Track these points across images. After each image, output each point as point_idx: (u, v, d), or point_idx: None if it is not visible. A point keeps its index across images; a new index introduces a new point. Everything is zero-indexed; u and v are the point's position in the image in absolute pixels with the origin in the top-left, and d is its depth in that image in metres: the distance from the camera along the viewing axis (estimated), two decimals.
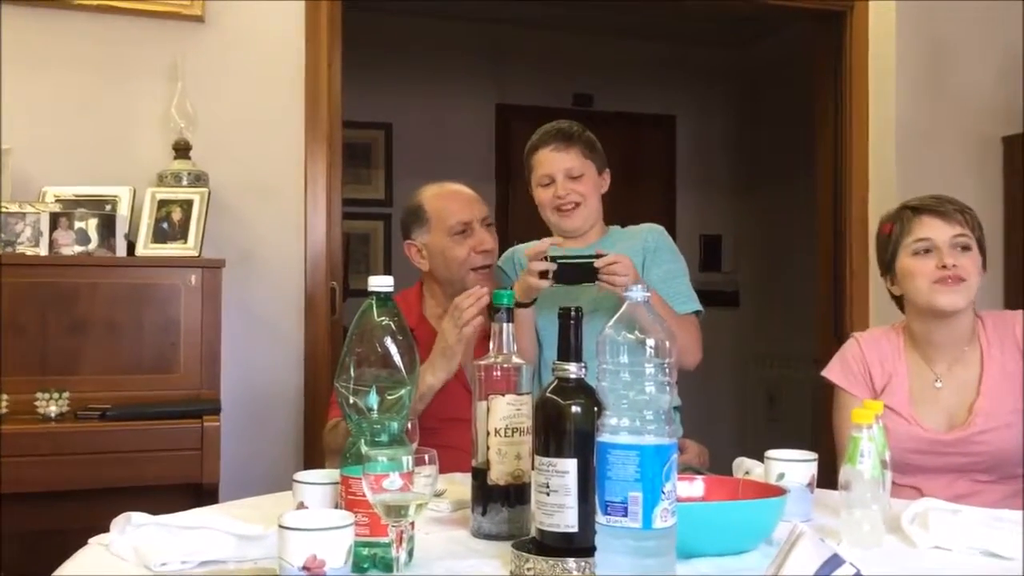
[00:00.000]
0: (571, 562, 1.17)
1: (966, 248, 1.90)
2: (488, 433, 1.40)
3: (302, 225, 3.02)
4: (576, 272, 1.95)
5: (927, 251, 1.90)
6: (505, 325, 1.44)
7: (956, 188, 3.10)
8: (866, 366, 2.00)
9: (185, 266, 2.54)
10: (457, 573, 1.23)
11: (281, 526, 1.05)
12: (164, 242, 2.57)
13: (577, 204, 2.18)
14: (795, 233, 5.09)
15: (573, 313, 1.25)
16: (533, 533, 1.26)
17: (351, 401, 1.25)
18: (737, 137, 5.81)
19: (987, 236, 1.98)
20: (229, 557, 1.23)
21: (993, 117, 3.52)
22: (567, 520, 1.20)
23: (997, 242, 3.38)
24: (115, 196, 2.65)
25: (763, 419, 5.60)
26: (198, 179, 2.73)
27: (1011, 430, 1.85)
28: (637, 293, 1.16)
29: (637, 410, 1.12)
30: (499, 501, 1.39)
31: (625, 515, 1.10)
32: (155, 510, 1.36)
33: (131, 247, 2.60)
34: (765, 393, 5.60)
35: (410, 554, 1.24)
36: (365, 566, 1.21)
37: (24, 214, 2.51)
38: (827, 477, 1.69)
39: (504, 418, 1.39)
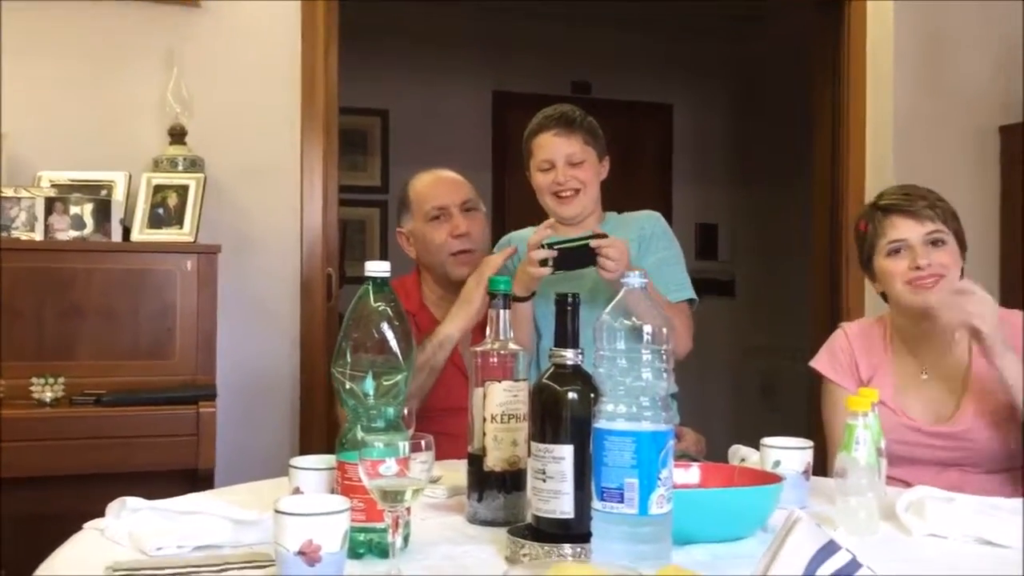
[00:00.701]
0: (567, 548, 1.17)
1: (940, 243, 1.88)
2: (484, 419, 1.40)
3: (298, 211, 3.01)
4: (575, 257, 1.95)
5: (900, 251, 1.89)
6: (502, 311, 1.44)
7: (953, 179, 3.12)
8: (853, 357, 1.99)
9: (181, 252, 2.53)
10: (453, 559, 1.23)
11: (277, 511, 1.05)
12: (160, 227, 2.56)
13: (576, 191, 2.17)
14: (791, 223, 5.09)
15: (570, 299, 1.25)
16: (529, 519, 1.26)
17: (347, 387, 1.25)
18: (734, 127, 5.80)
19: (984, 227, 1.98)
20: (225, 542, 1.23)
21: (991, 108, 3.52)
22: (563, 506, 1.20)
23: (994, 232, 3.38)
24: (111, 181, 2.64)
25: (759, 409, 5.61)
26: (194, 164, 2.72)
27: (998, 429, 1.84)
28: (634, 280, 1.16)
29: (634, 396, 1.12)
30: (495, 487, 1.39)
31: (621, 501, 1.11)
32: (151, 496, 1.36)
33: (127, 232, 2.59)
34: (761, 383, 5.61)
35: (406, 540, 1.24)
36: (361, 551, 1.21)
37: (19, 199, 2.50)
38: (820, 465, 1.70)
39: (500, 404, 1.39)
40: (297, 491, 1.33)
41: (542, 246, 1.96)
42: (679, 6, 5.01)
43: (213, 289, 2.54)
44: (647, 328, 1.13)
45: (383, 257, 4.94)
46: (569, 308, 1.25)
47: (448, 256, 2.22)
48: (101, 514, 1.33)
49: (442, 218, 2.22)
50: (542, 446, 1.22)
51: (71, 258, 2.46)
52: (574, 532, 1.18)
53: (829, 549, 0.80)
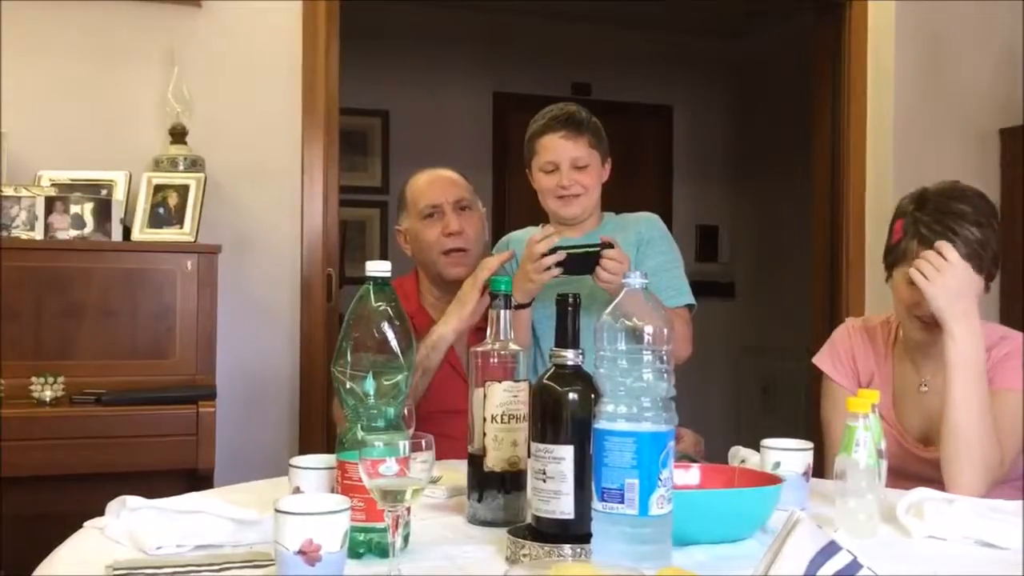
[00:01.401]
0: (567, 548, 1.17)
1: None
2: (484, 420, 1.40)
3: (298, 211, 3.01)
4: (582, 263, 1.95)
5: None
6: (503, 312, 1.44)
7: (953, 179, 3.11)
8: (853, 357, 1.95)
9: (181, 251, 2.53)
10: (453, 559, 1.23)
11: (277, 510, 1.05)
12: (160, 227, 2.56)
13: (578, 195, 2.16)
14: (791, 225, 5.09)
15: (571, 299, 1.25)
16: (529, 520, 1.26)
17: (348, 386, 1.25)
18: (734, 128, 5.80)
19: None
20: (225, 541, 1.23)
21: (991, 110, 3.52)
22: (563, 507, 1.20)
23: None
24: (111, 180, 2.64)
25: (758, 410, 5.61)
26: (194, 164, 2.72)
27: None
28: (635, 280, 1.16)
29: (634, 397, 1.12)
30: (495, 488, 1.39)
31: (622, 502, 1.11)
32: (150, 495, 1.36)
33: (127, 232, 2.60)
34: (760, 384, 5.61)
35: (406, 540, 1.24)
36: (361, 551, 1.21)
37: (19, 198, 2.50)
38: (819, 465, 1.69)
39: (500, 404, 1.39)
40: (297, 490, 1.33)
41: (546, 253, 1.95)
42: (679, 7, 5.02)
43: (213, 289, 2.55)
44: (648, 329, 1.13)
45: (383, 257, 4.93)
46: (570, 308, 1.25)
47: (440, 255, 2.22)
48: (101, 513, 1.33)
49: (435, 216, 2.22)
50: (542, 446, 1.21)
51: (71, 257, 2.46)
52: (574, 533, 1.18)
53: (830, 550, 0.80)
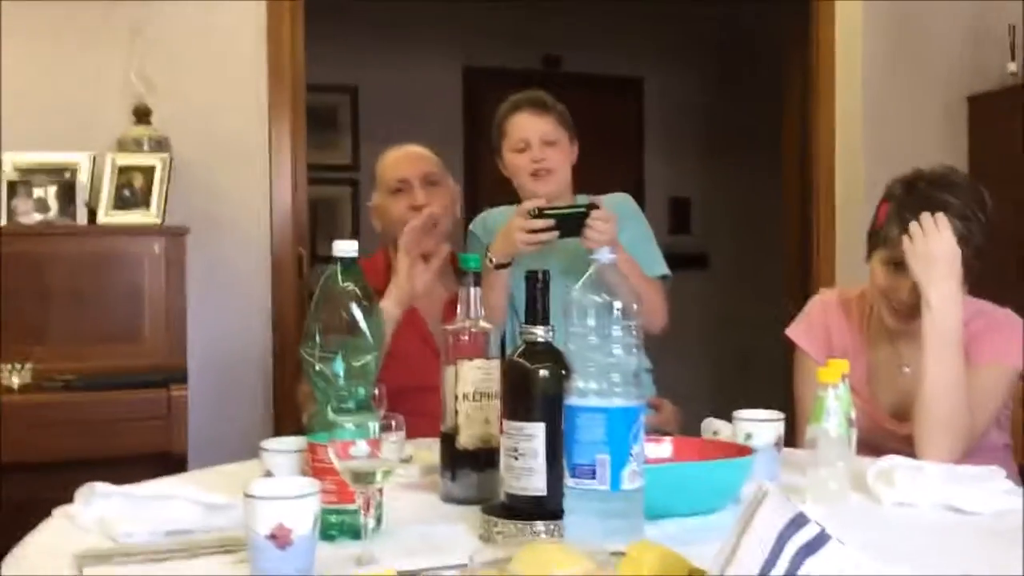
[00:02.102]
0: (540, 525, 1.17)
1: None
2: (457, 398, 1.39)
3: (267, 190, 2.98)
4: (569, 226, 1.96)
5: (898, 266, 1.76)
6: (472, 289, 1.43)
7: (922, 149, 3.13)
8: (828, 331, 1.94)
9: (148, 234, 2.50)
10: (426, 538, 1.23)
11: (247, 495, 1.04)
12: (126, 209, 2.53)
13: (551, 170, 2.17)
14: (765, 196, 5.10)
15: (540, 276, 1.25)
16: (502, 497, 1.26)
17: (317, 368, 1.24)
18: (706, 101, 5.79)
19: None
20: (196, 527, 1.22)
21: (960, 77, 3.53)
22: (535, 483, 1.20)
23: None
24: (75, 163, 2.60)
25: (735, 381, 5.64)
26: (159, 144, 2.68)
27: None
28: (604, 255, 1.16)
29: (604, 373, 1.12)
30: (468, 466, 1.39)
31: (593, 477, 1.11)
32: (123, 480, 1.34)
33: (92, 215, 2.56)
34: (736, 355, 5.64)
35: (378, 520, 1.23)
36: (333, 533, 1.20)
37: None
38: (791, 437, 1.70)
39: (473, 382, 1.39)
40: (268, 474, 1.32)
41: (535, 214, 1.97)
42: None
43: (182, 271, 2.52)
44: (617, 304, 1.13)
45: (355, 236, 4.90)
46: (539, 285, 1.24)
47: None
48: (71, 501, 1.31)
49: (404, 191, 2.21)
50: (514, 424, 1.21)
51: (36, 242, 2.43)
52: (547, 509, 1.18)
53: (798, 522, 0.80)
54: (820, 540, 0.80)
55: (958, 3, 3.52)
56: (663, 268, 2.21)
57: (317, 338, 1.23)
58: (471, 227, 2.33)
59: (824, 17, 3.54)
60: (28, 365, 2.29)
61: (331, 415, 1.19)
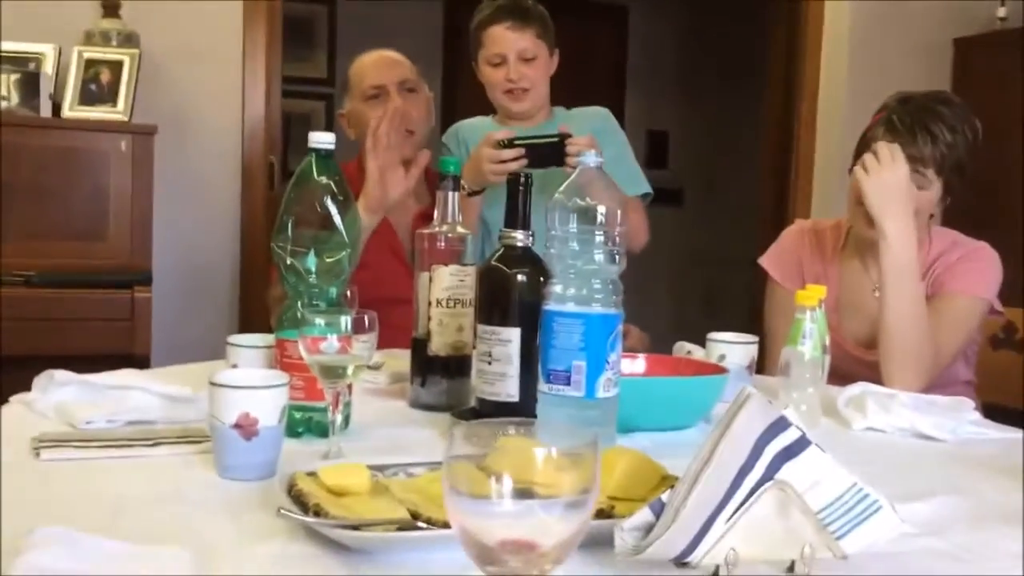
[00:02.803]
0: (511, 427, 1.15)
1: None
2: (430, 304, 1.36)
3: (239, 96, 2.90)
4: (542, 156, 1.89)
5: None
6: (450, 194, 1.39)
7: (904, 88, 3.10)
8: (799, 258, 1.94)
9: (115, 131, 2.42)
10: (393, 440, 1.21)
11: (212, 383, 1.01)
12: (92, 104, 2.44)
13: (527, 89, 2.10)
14: (742, 133, 5.07)
15: (522, 179, 1.21)
16: (473, 403, 1.24)
17: (288, 263, 1.20)
18: (691, 33, 5.71)
19: None
20: (158, 418, 1.19)
21: (945, 20, 3.49)
22: (508, 389, 1.18)
23: None
24: (39, 53, 2.51)
25: (700, 316, 5.67)
26: (129, 40, 2.59)
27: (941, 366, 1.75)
28: (590, 159, 1.12)
29: (584, 279, 1.10)
30: (438, 372, 1.37)
31: (568, 384, 1.09)
32: None
33: (56, 109, 2.47)
34: (704, 292, 5.66)
35: (346, 420, 1.21)
36: (300, 430, 1.18)
37: None
38: (760, 368, 1.69)
39: (447, 288, 1.36)
40: (234, 368, 1.29)
41: (504, 144, 1.90)
42: None
43: (149, 171, 2.45)
44: (601, 210, 1.10)
45: None
46: (521, 188, 1.21)
47: None
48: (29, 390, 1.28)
49: (380, 97, 2.13)
50: (489, 328, 1.19)
51: None
52: (519, 415, 1.16)
53: (780, 425, 0.79)
54: (800, 445, 0.79)
55: None
56: (644, 186, 2.16)
57: (289, 231, 1.19)
58: (444, 138, 2.27)
59: None
60: None
61: (302, 311, 1.16)
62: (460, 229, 1.39)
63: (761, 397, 0.80)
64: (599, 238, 1.10)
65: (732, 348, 1.54)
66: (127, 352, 2.26)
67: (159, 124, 2.54)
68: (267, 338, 1.29)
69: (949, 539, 0.91)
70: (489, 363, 1.19)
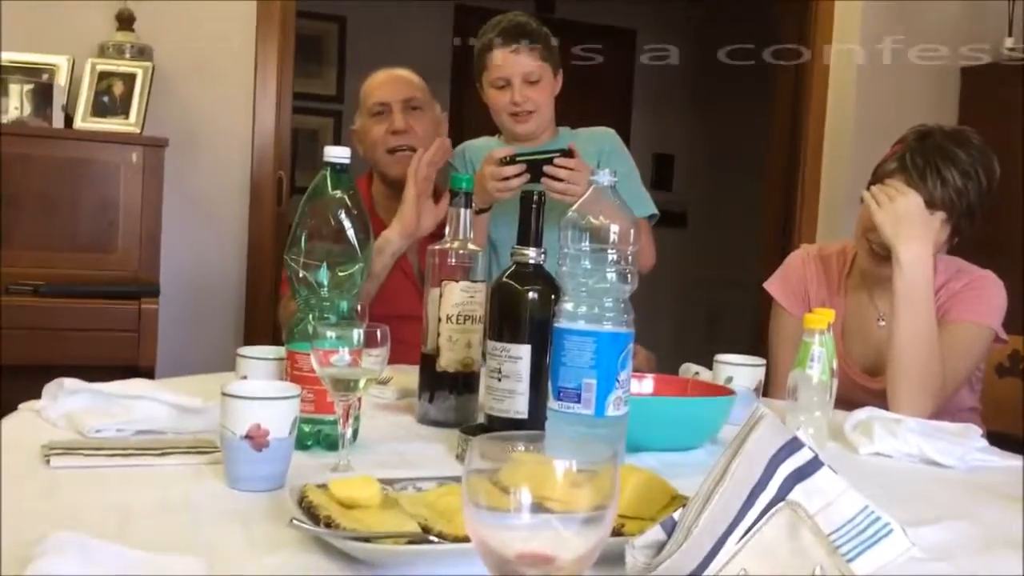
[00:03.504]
0: (520, 443, 1.15)
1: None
2: (440, 320, 1.37)
3: (250, 111, 2.92)
4: (542, 171, 1.89)
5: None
6: (463, 210, 1.40)
7: (913, 118, 3.10)
8: (805, 284, 1.94)
9: (126, 143, 2.43)
10: (402, 455, 1.21)
11: (225, 394, 1.01)
12: (104, 116, 2.46)
13: (531, 112, 2.11)
14: (747, 157, 5.08)
15: (536, 197, 1.22)
16: (481, 419, 1.24)
17: (300, 275, 1.21)
18: (697, 56, 5.73)
19: None
20: (168, 428, 1.19)
21: (955, 48, 3.51)
22: (517, 406, 1.18)
23: None
24: (53, 65, 2.52)
25: (703, 339, 5.66)
26: (142, 53, 2.60)
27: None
28: (603, 177, 1.13)
29: (596, 297, 1.10)
30: (447, 388, 1.37)
31: (578, 401, 1.09)
32: None
33: (68, 120, 2.49)
34: (707, 314, 5.65)
35: (355, 434, 1.21)
36: (309, 443, 1.18)
37: None
38: (766, 392, 1.69)
39: (456, 304, 1.36)
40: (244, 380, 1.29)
41: (507, 161, 1.90)
42: None
43: (159, 184, 2.46)
44: (614, 228, 1.10)
45: None
46: (534, 206, 1.22)
47: (384, 152, 2.15)
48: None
49: (384, 114, 2.15)
50: (499, 345, 1.19)
51: (9, 142, 2.35)
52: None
53: (792, 446, 0.79)
54: (812, 466, 0.79)
55: None
56: (650, 207, 2.16)
57: (302, 245, 1.20)
58: (451, 160, 2.28)
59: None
60: None
61: (313, 324, 1.17)
62: (471, 246, 1.39)
63: (774, 417, 0.80)
64: (611, 256, 1.10)
65: (739, 370, 1.54)
66: (132, 363, 2.27)
67: (170, 137, 2.55)
68: (277, 350, 1.30)
69: (956, 564, 0.91)
70: (499, 380, 1.19)
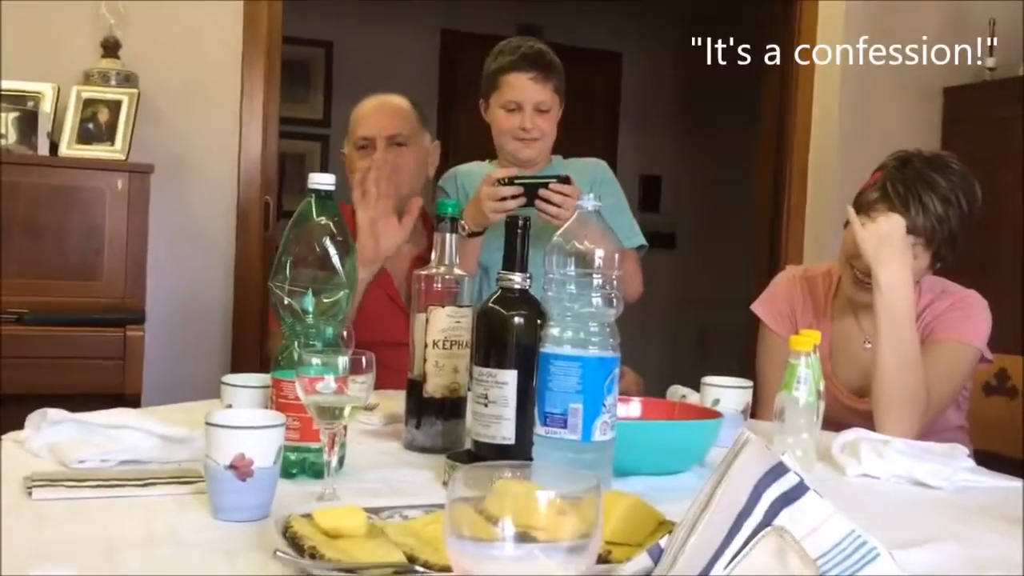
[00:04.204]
0: (507, 470, 1.15)
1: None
2: (426, 345, 1.36)
3: (236, 137, 2.92)
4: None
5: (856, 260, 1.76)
6: (448, 235, 1.40)
7: (896, 138, 3.12)
8: (791, 305, 1.95)
9: (112, 169, 2.43)
10: (389, 482, 1.20)
11: (208, 423, 1.00)
12: (90, 143, 2.45)
13: (536, 139, 2.12)
14: (734, 177, 5.11)
15: (520, 222, 1.22)
16: (468, 445, 1.23)
17: (286, 302, 1.20)
18: (682, 79, 5.77)
19: None
20: (152, 457, 1.18)
21: (936, 69, 3.54)
22: (504, 432, 1.18)
23: None
24: (38, 93, 2.52)
25: (693, 361, 5.67)
26: (127, 80, 2.60)
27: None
28: (588, 203, 1.13)
29: (582, 322, 1.10)
30: (434, 414, 1.37)
31: (565, 427, 1.09)
32: None
33: (54, 147, 2.48)
34: (697, 335, 5.66)
35: (341, 461, 1.20)
36: (294, 472, 1.17)
37: None
38: (753, 413, 1.68)
39: (443, 330, 1.36)
40: (229, 408, 1.29)
41: (505, 182, 1.90)
42: None
43: (144, 210, 2.45)
44: (599, 253, 1.10)
45: None
46: (519, 231, 1.22)
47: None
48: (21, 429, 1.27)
49: (368, 148, 2.13)
50: (485, 370, 1.19)
51: None
52: (515, 458, 1.16)
53: (777, 471, 0.79)
54: (798, 491, 0.79)
55: None
56: (639, 238, 2.17)
57: (287, 271, 1.20)
58: (440, 183, 2.28)
59: (805, 3, 3.53)
60: None
61: (298, 351, 1.16)
62: (457, 271, 1.39)
63: (759, 442, 0.80)
64: (596, 281, 1.10)
65: (726, 392, 1.54)
66: (118, 391, 2.25)
67: (156, 163, 2.55)
68: (262, 378, 1.29)
69: None
70: (485, 405, 1.19)
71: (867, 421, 1.68)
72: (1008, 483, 1.36)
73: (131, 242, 2.43)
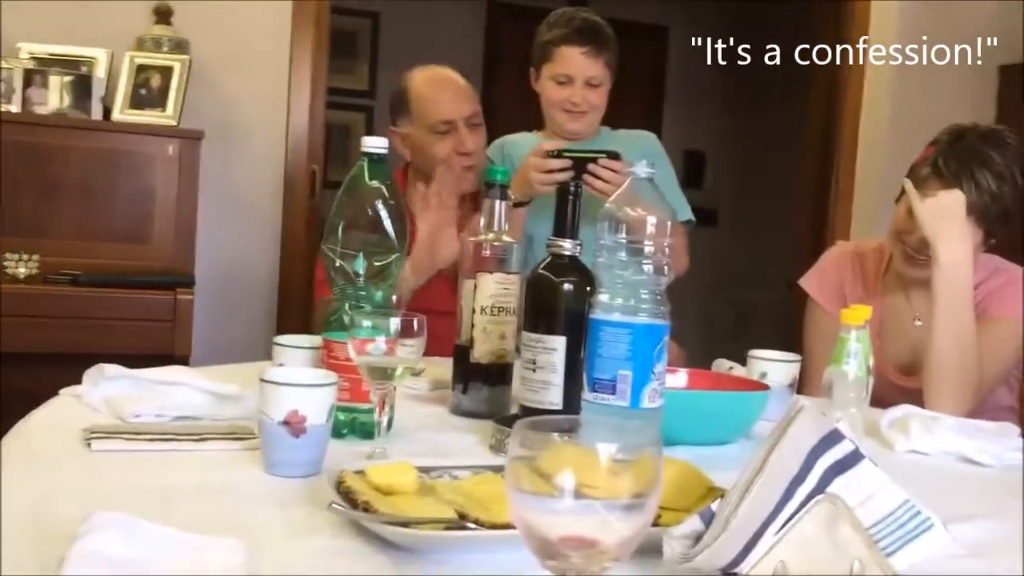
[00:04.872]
0: (555, 434, 1.15)
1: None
2: (474, 311, 1.37)
3: (284, 105, 2.94)
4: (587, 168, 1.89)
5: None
6: (498, 202, 1.40)
7: (949, 117, 3.05)
8: (841, 281, 1.92)
9: (163, 135, 2.46)
10: (436, 444, 1.22)
11: (263, 380, 1.02)
12: (141, 108, 2.48)
13: (586, 112, 2.10)
14: (778, 155, 5.05)
15: (573, 188, 1.22)
16: (515, 411, 1.24)
17: (337, 264, 1.21)
18: (729, 53, 5.70)
19: None
20: (205, 414, 1.20)
21: (991, 47, 3.46)
22: (552, 397, 1.18)
23: None
24: (92, 58, 2.55)
25: (731, 339, 5.63)
26: (179, 46, 2.63)
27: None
28: (641, 169, 1.13)
29: (632, 289, 1.10)
30: (480, 380, 1.37)
31: (613, 393, 1.09)
32: None
33: (107, 112, 2.52)
34: (736, 312, 5.62)
35: (389, 423, 1.21)
36: (344, 432, 1.19)
37: None
38: (800, 390, 1.67)
39: (491, 296, 1.36)
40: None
41: (554, 154, 1.90)
42: None
43: (194, 175, 2.49)
44: (651, 220, 1.10)
45: None
46: (571, 198, 1.22)
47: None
48: None
49: (450, 132, 2.06)
50: (534, 336, 1.19)
51: (48, 133, 2.39)
52: None
53: (832, 439, 0.79)
54: (852, 459, 0.79)
55: None
56: (689, 213, 2.15)
57: (339, 234, 1.21)
58: (487, 151, 2.27)
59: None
60: (35, 257, 2.27)
61: (349, 313, 1.18)
62: (505, 238, 1.40)
63: (814, 409, 0.80)
64: (648, 249, 1.10)
65: (774, 366, 1.53)
66: (168, 352, 2.29)
67: (206, 130, 2.57)
68: (313, 339, 1.31)
69: (993, 562, 0.90)
70: (533, 371, 1.19)
71: (914, 399, 1.66)
72: None
73: (181, 206, 2.46)
